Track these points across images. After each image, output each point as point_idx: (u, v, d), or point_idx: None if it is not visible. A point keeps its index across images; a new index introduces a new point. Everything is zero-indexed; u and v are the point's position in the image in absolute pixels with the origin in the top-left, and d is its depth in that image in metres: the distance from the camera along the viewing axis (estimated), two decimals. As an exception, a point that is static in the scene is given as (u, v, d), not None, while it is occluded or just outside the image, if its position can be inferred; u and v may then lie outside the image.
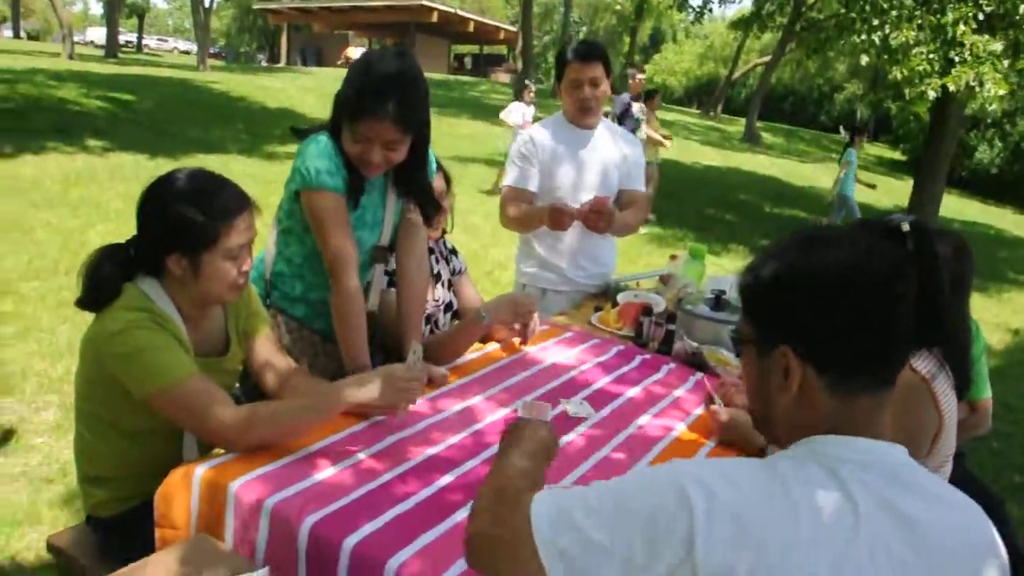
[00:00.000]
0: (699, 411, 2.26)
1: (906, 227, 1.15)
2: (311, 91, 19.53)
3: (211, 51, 32.39)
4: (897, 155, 32.86)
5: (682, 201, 10.85)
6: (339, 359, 2.24)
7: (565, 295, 3.38)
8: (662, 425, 2.14)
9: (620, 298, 3.17)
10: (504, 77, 36.21)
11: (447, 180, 2.68)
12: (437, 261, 2.78)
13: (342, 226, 2.17)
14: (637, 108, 9.41)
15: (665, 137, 10.24)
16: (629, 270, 6.45)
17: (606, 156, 3.27)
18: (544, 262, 3.34)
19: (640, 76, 9.74)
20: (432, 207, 2.43)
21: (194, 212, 1.76)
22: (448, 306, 2.80)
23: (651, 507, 1.00)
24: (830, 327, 1.05)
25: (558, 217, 2.92)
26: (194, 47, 40.65)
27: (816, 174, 20.99)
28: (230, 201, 1.82)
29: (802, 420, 1.09)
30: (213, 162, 10.00)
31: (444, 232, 2.79)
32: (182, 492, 1.67)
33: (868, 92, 25.37)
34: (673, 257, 3.61)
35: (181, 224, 1.76)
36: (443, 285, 2.79)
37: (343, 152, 2.17)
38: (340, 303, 2.17)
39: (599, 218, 2.95)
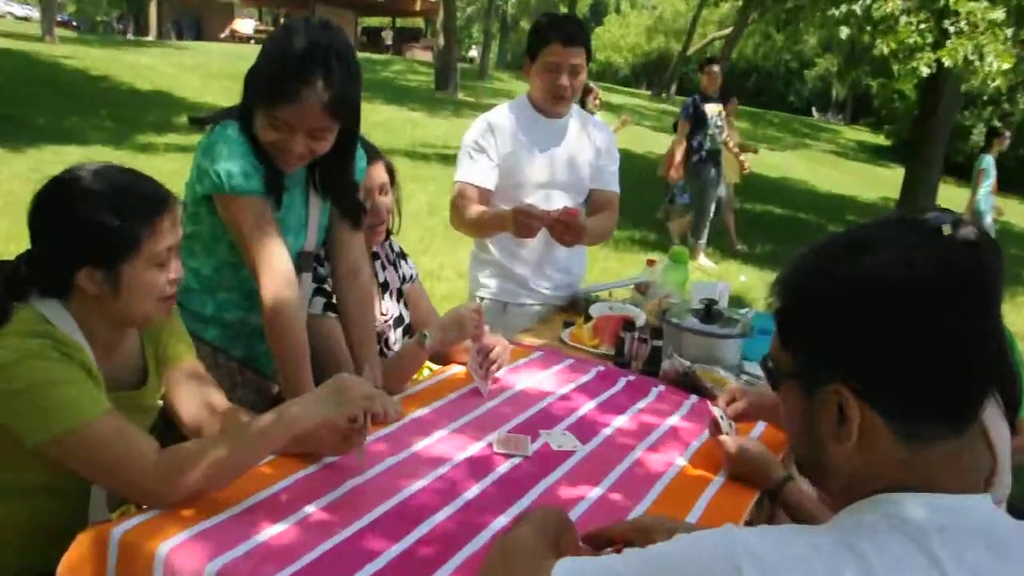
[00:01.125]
0: (699, 441, 2.29)
1: (970, 233, 1.08)
2: (192, 70, 19.26)
3: (59, 19, 31.49)
4: (880, 139, 33.89)
5: (639, 197, 10.98)
6: (263, 391, 2.23)
7: (529, 310, 3.41)
8: (661, 459, 2.17)
9: (594, 311, 3.21)
10: (422, 54, 36.27)
11: (390, 172, 2.68)
12: (383, 268, 2.77)
13: (271, 233, 2.16)
14: (714, 113, 8.64)
15: (744, 149, 9.46)
16: (598, 278, 6.54)
17: (577, 151, 3.31)
18: (503, 271, 3.37)
19: (715, 68, 8.69)
20: (356, 212, 2.44)
21: (108, 215, 1.73)
22: (399, 320, 2.79)
23: None
24: (899, 359, 1.00)
25: (525, 223, 2.95)
26: (34, 13, 39.26)
27: (789, 163, 21.57)
28: (149, 198, 1.79)
29: (864, 472, 1.06)
30: (71, 155, 9.75)
31: (389, 234, 2.78)
32: (93, 560, 1.61)
33: (844, 68, 26.17)
34: (651, 262, 3.66)
35: (93, 231, 1.73)
36: (392, 296, 2.78)
37: (257, 143, 2.17)
38: (277, 323, 2.15)
39: (567, 231, 2.99)
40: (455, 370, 2.67)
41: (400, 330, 2.79)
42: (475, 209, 3.18)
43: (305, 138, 2.14)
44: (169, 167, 10.50)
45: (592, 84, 9.45)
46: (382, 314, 2.71)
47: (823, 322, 1.05)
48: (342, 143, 2.25)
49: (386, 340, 2.71)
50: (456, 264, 7.65)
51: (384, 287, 2.74)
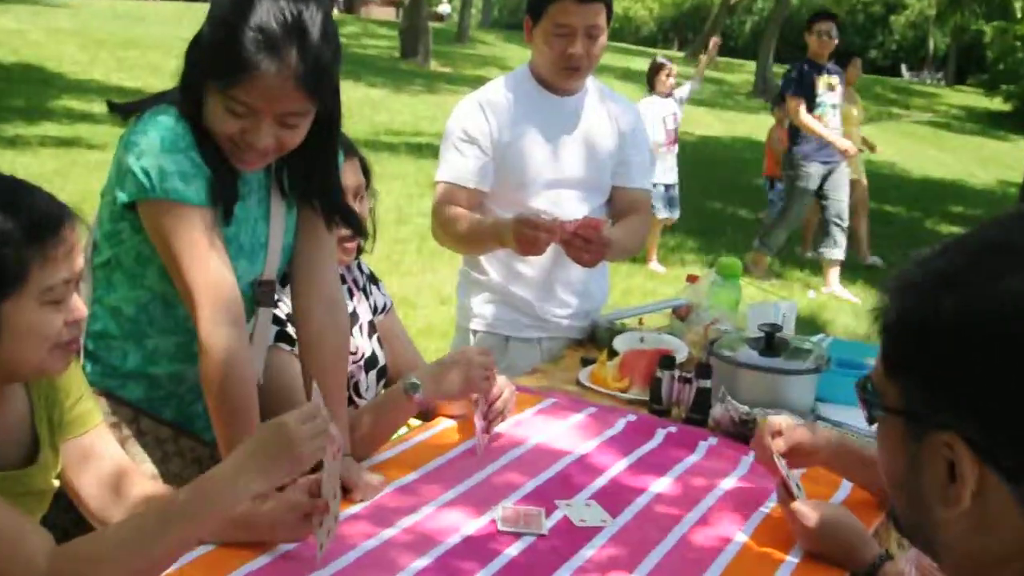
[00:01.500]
0: (766, 507, 2.35)
1: None
2: (71, 36, 19.19)
3: None
4: (995, 104, 33.75)
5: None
6: (205, 463, 2.26)
7: (536, 344, 3.45)
8: (715, 534, 2.22)
9: (620, 344, 3.26)
10: (381, 12, 36.44)
11: (365, 171, 2.74)
12: (351, 295, 2.83)
13: (214, 254, 2.20)
14: (828, 87, 8.54)
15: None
16: (622, 302, 6.58)
17: (596, 138, 3.37)
18: (503, 295, 3.42)
19: (830, 27, 8.58)
20: (352, 221, 2.49)
21: None
22: (371, 361, 2.85)
23: None
24: None
25: (530, 237, 2.99)
26: None
27: (874, 139, 21.46)
28: (39, 214, 1.79)
29: (981, 548, 1.06)
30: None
31: (360, 251, 2.84)
32: None
33: (946, 10, 26.11)
34: (692, 279, 3.72)
35: None
36: (362, 331, 2.83)
37: (200, 136, 2.21)
38: (220, 375, 2.18)
39: (588, 248, 3.03)
40: (445, 425, 2.72)
41: (373, 373, 2.85)
42: (464, 217, 3.23)
43: (273, 125, 2.17)
44: (47, 167, 10.47)
45: (662, 58, 9.44)
46: (351, 352, 2.75)
47: (947, 351, 1.04)
48: (321, 132, 2.29)
49: (355, 386, 2.77)
50: (437, 287, 7.70)
51: (353, 319, 2.79)
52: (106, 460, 2.05)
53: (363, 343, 2.82)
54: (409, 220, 9.67)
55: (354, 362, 2.76)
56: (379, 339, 2.90)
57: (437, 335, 6.42)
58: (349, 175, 2.60)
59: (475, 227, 3.23)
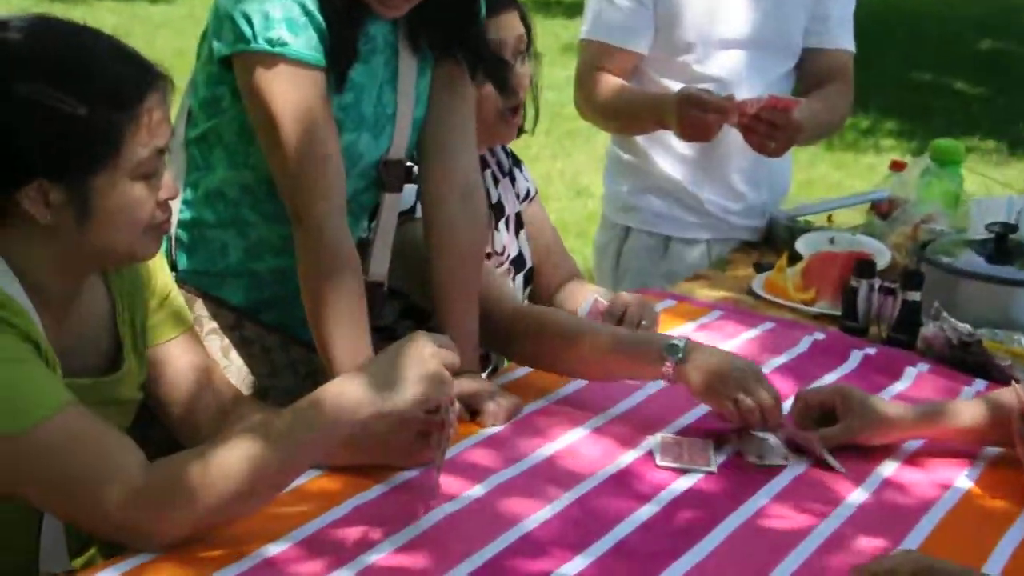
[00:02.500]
0: (993, 451, 2.30)
1: None
2: None
3: None
4: None
5: (873, 55, 10.73)
6: (316, 376, 2.29)
7: (700, 246, 3.45)
8: (930, 479, 2.19)
9: (803, 246, 3.23)
10: None
11: (525, 23, 2.68)
12: (495, 182, 2.83)
13: (320, 126, 2.21)
14: None
15: None
16: (804, 193, 6.44)
17: None
18: (662, 185, 3.41)
19: None
20: (501, 73, 2.46)
21: (67, 99, 1.77)
22: (518, 262, 2.86)
23: None
24: None
25: (696, 119, 2.96)
26: None
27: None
28: (128, 71, 1.84)
29: None
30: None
31: (522, 131, 2.80)
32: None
33: None
34: (897, 165, 3.64)
35: (47, 125, 1.78)
36: (508, 225, 2.83)
37: None
38: (315, 267, 2.22)
39: (774, 132, 2.99)
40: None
41: (521, 277, 2.85)
42: (616, 87, 3.22)
43: None
44: (105, 23, 10.16)
45: None
46: (496, 252, 2.77)
47: None
48: None
49: None
50: (571, 176, 7.65)
51: (498, 211, 2.80)
52: (197, 370, 2.10)
53: (509, 240, 2.83)
54: (551, 89, 9.59)
55: (499, 264, 2.77)
56: (526, 235, 2.90)
57: (572, 233, 6.32)
58: (506, 26, 2.58)
59: (629, 100, 3.22)
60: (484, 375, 2.56)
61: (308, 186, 2.21)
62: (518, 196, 2.92)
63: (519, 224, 2.88)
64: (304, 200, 2.21)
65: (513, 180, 2.90)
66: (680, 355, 2.25)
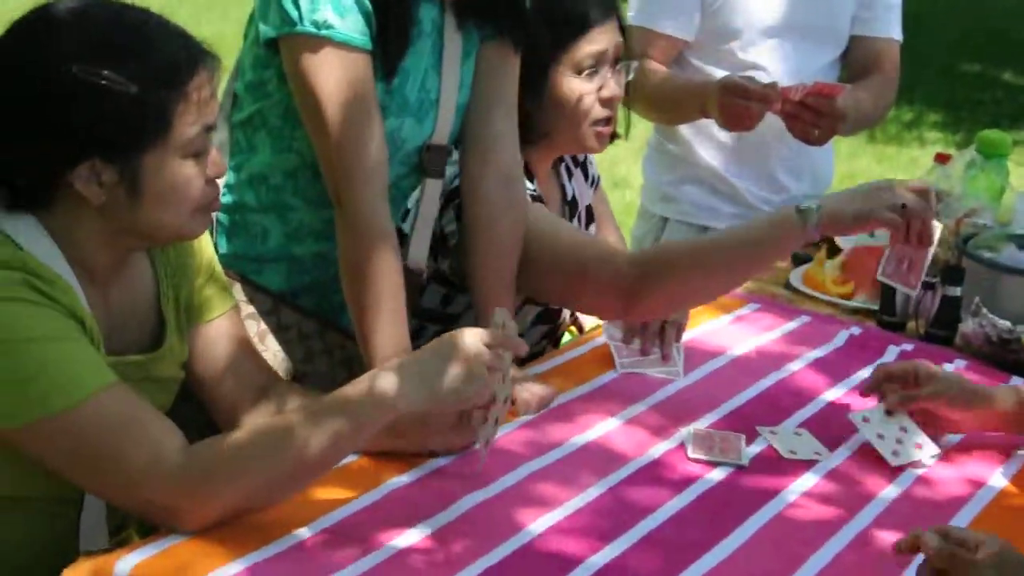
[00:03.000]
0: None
1: None
2: None
3: None
4: None
5: (914, 45, 10.65)
6: (351, 362, 2.33)
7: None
8: (963, 476, 2.20)
9: (843, 239, 3.22)
10: None
11: (623, 31, 2.65)
12: (568, 175, 2.84)
13: (365, 109, 2.23)
14: None
15: None
16: (847, 187, 6.37)
17: None
18: (703, 175, 3.42)
19: None
20: (520, 28, 2.43)
21: (118, 78, 1.80)
22: None
23: None
24: None
25: (738, 108, 2.95)
26: None
27: None
28: (175, 51, 1.86)
29: None
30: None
31: (615, 136, 2.77)
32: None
33: None
34: (941, 158, 3.63)
35: (99, 104, 1.80)
36: (580, 220, 2.84)
37: None
38: (354, 250, 2.24)
39: (819, 120, 2.99)
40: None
41: None
42: (659, 74, 3.22)
43: None
44: (149, 1, 10.58)
45: None
46: None
47: None
48: None
49: None
50: (608, 166, 7.58)
51: (572, 208, 2.81)
52: (237, 351, 2.13)
53: None
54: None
55: None
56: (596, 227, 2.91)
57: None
58: (605, 38, 2.57)
59: (672, 88, 3.22)
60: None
61: (350, 170, 2.22)
62: (591, 181, 2.93)
63: (590, 217, 2.89)
64: (346, 183, 2.23)
65: (585, 171, 2.92)
66: (815, 217, 2.27)
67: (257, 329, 2.42)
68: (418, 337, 2.43)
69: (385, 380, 1.84)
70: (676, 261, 2.43)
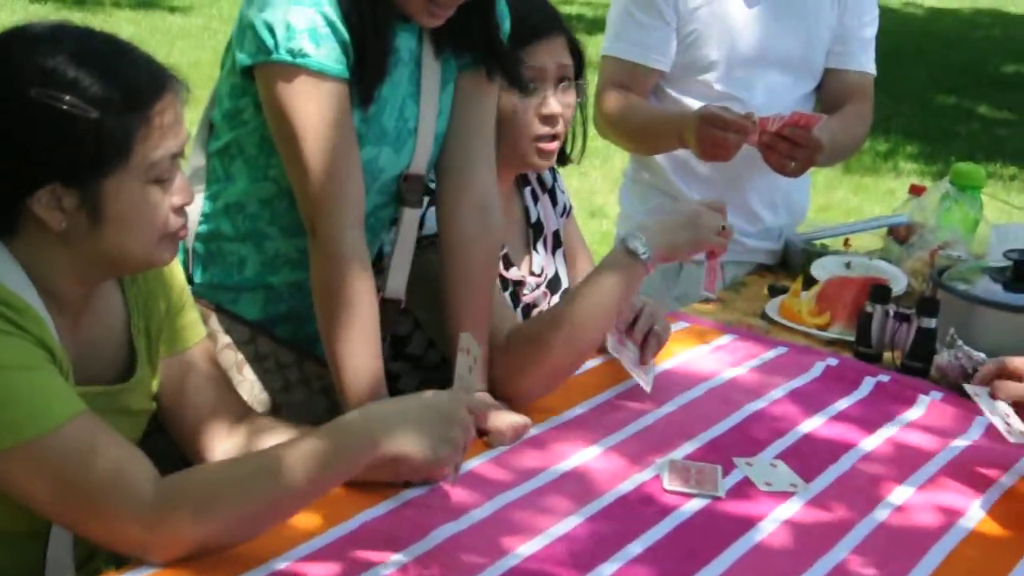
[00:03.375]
0: (1009, 479, 2.31)
1: None
2: None
3: None
4: None
5: (893, 78, 10.71)
6: (328, 392, 2.32)
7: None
8: (935, 504, 2.20)
9: (818, 270, 3.22)
10: None
11: (574, 51, 2.65)
12: (535, 199, 2.84)
13: (341, 138, 2.22)
14: None
15: None
16: (823, 219, 6.44)
17: (813, 2, 3.31)
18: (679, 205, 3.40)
19: None
20: (516, 75, 2.45)
21: (78, 103, 1.79)
22: (554, 283, 2.85)
23: None
24: None
25: (716, 138, 2.96)
26: None
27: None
28: (139, 75, 1.86)
29: None
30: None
31: (563, 158, 2.79)
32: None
33: None
34: (916, 190, 3.64)
35: (59, 129, 1.80)
36: (546, 245, 2.83)
37: None
38: (328, 280, 2.23)
39: (795, 150, 2.99)
40: (599, 360, 2.72)
41: (558, 297, 2.83)
42: (636, 105, 3.23)
43: None
44: (122, 33, 10.20)
45: None
46: (533, 274, 2.77)
47: None
48: None
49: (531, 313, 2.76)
50: (586, 195, 7.63)
51: (536, 231, 2.81)
52: (209, 382, 2.13)
53: (547, 261, 2.84)
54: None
55: (536, 285, 2.77)
56: (564, 253, 2.90)
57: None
58: (548, 52, 2.56)
59: (649, 118, 3.23)
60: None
61: (326, 199, 2.22)
62: (557, 212, 2.93)
63: (556, 242, 2.89)
64: (321, 213, 2.22)
65: (554, 197, 2.91)
66: (648, 253, 2.39)
67: (235, 359, 2.41)
68: (396, 380, 2.47)
69: (366, 425, 1.87)
70: (538, 330, 2.47)
